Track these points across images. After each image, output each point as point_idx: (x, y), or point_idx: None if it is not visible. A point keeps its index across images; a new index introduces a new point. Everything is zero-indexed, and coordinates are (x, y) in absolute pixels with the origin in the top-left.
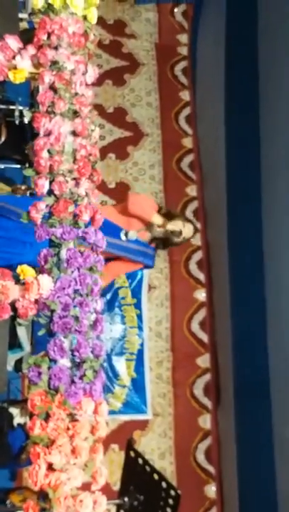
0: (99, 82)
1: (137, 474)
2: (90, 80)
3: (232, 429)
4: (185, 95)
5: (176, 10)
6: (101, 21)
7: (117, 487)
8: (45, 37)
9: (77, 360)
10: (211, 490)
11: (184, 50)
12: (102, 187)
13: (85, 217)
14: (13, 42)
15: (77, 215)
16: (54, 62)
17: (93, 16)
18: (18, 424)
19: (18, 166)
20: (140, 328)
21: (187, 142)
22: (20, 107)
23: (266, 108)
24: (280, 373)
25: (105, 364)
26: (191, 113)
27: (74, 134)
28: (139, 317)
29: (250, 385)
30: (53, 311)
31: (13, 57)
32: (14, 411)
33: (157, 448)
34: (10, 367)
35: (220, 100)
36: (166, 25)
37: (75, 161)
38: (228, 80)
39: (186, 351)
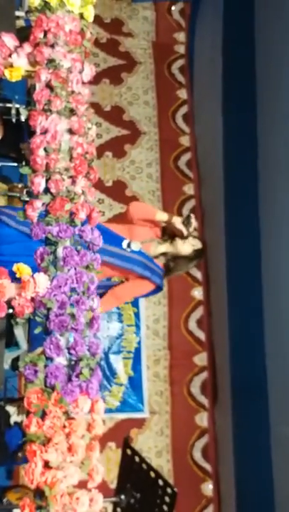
0: (96, 80)
1: (133, 472)
2: (86, 78)
3: (229, 427)
4: (182, 94)
5: (173, 8)
6: (98, 20)
7: (114, 485)
8: (41, 35)
9: (74, 358)
10: (208, 488)
11: (181, 49)
12: (99, 185)
13: (82, 215)
14: (9, 40)
15: (74, 213)
16: (50, 60)
17: (90, 14)
18: (15, 423)
19: (15, 164)
20: (137, 326)
21: (184, 141)
22: (17, 105)
23: (263, 107)
24: (277, 372)
25: (102, 362)
26: (189, 111)
27: (70, 132)
28: (137, 315)
29: (247, 383)
30: (49, 309)
31: (10, 55)
32: (11, 409)
33: (154, 446)
34: (7, 365)
35: (217, 98)
36: (164, 23)
37: (71, 159)
38: (225, 78)
39: (183, 349)
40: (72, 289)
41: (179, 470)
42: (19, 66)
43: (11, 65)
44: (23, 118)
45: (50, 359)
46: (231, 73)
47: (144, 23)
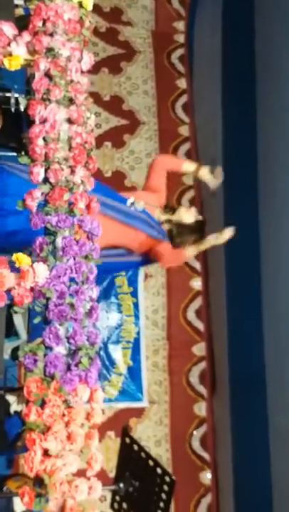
0: (95, 70)
1: (132, 460)
2: (85, 67)
3: (227, 416)
4: (182, 83)
5: None
6: (97, 9)
7: (113, 474)
8: (40, 23)
9: (73, 348)
10: (206, 477)
11: (180, 38)
12: (98, 175)
13: (81, 205)
14: (8, 28)
15: (73, 203)
16: (49, 49)
17: (89, 2)
18: (15, 412)
19: (14, 154)
20: (136, 316)
21: (184, 130)
22: (16, 95)
23: (263, 96)
24: (275, 362)
25: (102, 352)
26: (188, 101)
27: (69, 121)
28: (136, 306)
29: (245, 373)
30: (48, 299)
31: (9, 44)
32: (11, 398)
33: (153, 435)
34: (7, 355)
35: (217, 88)
36: (163, 12)
37: (70, 148)
38: (225, 67)
39: (182, 340)
40: (72, 279)
41: (178, 459)
42: (18, 55)
43: (10, 54)
44: (22, 107)
45: (49, 348)
46: (231, 63)
47: (144, 12)
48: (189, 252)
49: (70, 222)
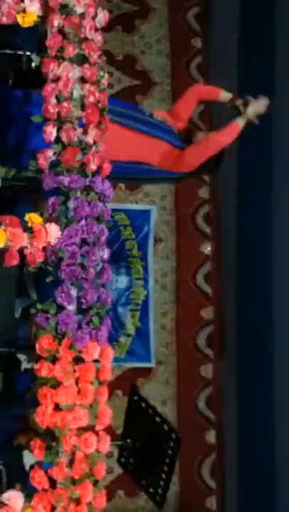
0: (108, 27)
1: (139, 417)
2: (99, 24)
3: (233, 378)
4: (197, 43)
5: None
6: None
7: (120, 431)
8: None
9: (84, 307)
10: (211, 436)
11: None
12: None
13: (92, 166)
14: None
15: (85, 163)
16: (63, 6)
17: None
18: (25, 369)
19: None
20: (146, 279)
21: None
22: (28, 52)
23: (282, 57)
24: (282, 327)
25: (111, 313)
26: (203, 62)
27: (82, 80)
28: (145, 269)
29: (252, 337)
30: (60, 259)
31: (22, 0)
32: (21, 356)
33: (160, 395)
34: (17, 314)
35: (233, 49)
36: None
37: (83, 107)
38: (242, 27)
39: (190, 303)
40: (83, 240)
41: (183, 418)
42: (32, 11)
43: (24, 11)
44: (34, 65)
45: (61, 307)
46: (249, 22)
47: None
48: (239, 122)
49: (83, 182)
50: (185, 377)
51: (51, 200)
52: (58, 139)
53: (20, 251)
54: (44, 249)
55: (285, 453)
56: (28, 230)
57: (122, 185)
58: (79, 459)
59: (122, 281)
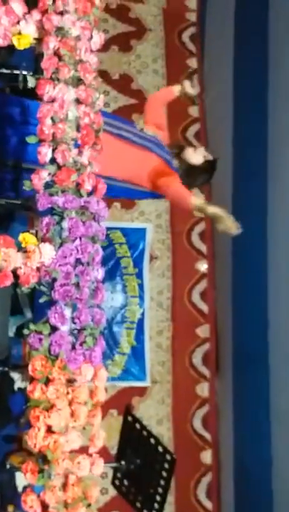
0: (105, 47)
1: (134, 439)
2: (95, 47)
3: (230, 397)
4: (192, 62)
5: None
6: None
7: (114, 451)
8: (50, 2)
9: (78, 328)
10: (207, 456)
11: (192, 16)
12: None
13: (87, 186)
14: (17, 6)
15: (80, 184)
16: (59, 28)
17: None
18: (19, 389)
19: None
20: (141, 297)
21: (193, 111)
22: (24, 72)
23: (275, 78)
24: (278, 345)
25: (106, 331)
26: (199, 81)
27: (78, 101)
28: (141, 287)
29: (248, 355)
30: (54, 279)
31: (18, 22)
32: (15, 376)
33: (155, 414)
34: (12, 333)
35: (228, 68)
36: None
37: (78, 128)
38: (237, 48)
39: (186, 321)
40: (77, 260)
41: (179, 438)
42: (27, 33)
43: (19, 33)
44: (30, 85)
45: (54, 328)
46: (243, 43)
47: None
48: (195, 200)
49: (77, 203)
50: (181, 396)
51: (45, 220)
52: (52, 160)
53: (15, 271)
54: (38, 269)
55: (282, 474)
56: (23, 249)
57: (118, 204)
58: (72, 483)
59: (118, 298)
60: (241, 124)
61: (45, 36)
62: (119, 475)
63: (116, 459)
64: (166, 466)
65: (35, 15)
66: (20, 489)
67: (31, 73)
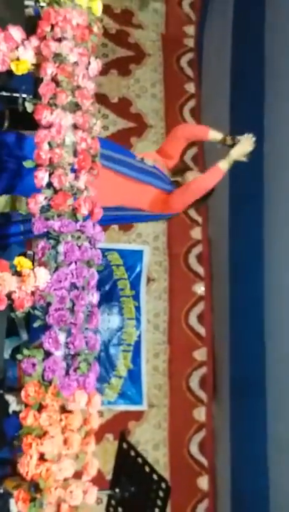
0: (104, 71)
1: (128, 466)
2: (92, 73)
3: (227, 422)
4: (190, 87)
5: (183, 1)
6: (108, 10)
7: (110, 476)
8: (48, 28)
9: (72, 353)
10: (204, 482)
11: (190, 42)
12: None
13: (84, 210)
14: (16, 32)
15: (76, 208)
16: (57, 54)
17: (98, 8)
18: (14, 412)
19: None
20: (138, 319)
21: None
22: (24, 95)
23: (272, 103)
24: (276, 370)
25: (102, 354)
26: (196, 106)
27: (75, 127)
28: (137, 309)
29: (246, 380)
30: (49, 304)
31: (16, 48)
32: (10, 398)
33: (152, 439)
34: (7, 355)
35: (225, 94)
36: (174, 16)
37: (75, 153)
38: (233, 73)
39: (183, 344)
40: (72, 284)
41: (176, 463)
42: (25, 59)
43: (18, 58)
44: (28, 109)
45: (48, 353)
46: (240, 69)
47: (154, 15)
48: (224, 164)
49: (73, 227)
50: (177, 421)
51: (41, 244)
52: (49, 184)
53: (9, 294)
54: (33, 293)
55: (279, 500)
56: (17, 273)
57: (115, 226)
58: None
59: (114, 321)
60: None
61: (43, 62)
62: (113, 502)
63: (111, 486)
64: (161, 494)
65: (34, 41)
66: None
67: (31, 96)
